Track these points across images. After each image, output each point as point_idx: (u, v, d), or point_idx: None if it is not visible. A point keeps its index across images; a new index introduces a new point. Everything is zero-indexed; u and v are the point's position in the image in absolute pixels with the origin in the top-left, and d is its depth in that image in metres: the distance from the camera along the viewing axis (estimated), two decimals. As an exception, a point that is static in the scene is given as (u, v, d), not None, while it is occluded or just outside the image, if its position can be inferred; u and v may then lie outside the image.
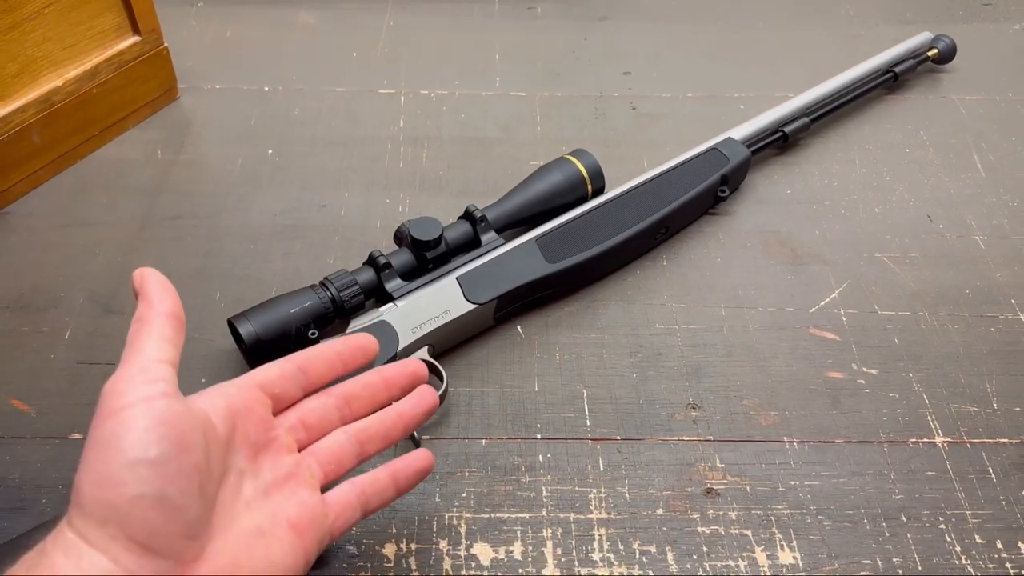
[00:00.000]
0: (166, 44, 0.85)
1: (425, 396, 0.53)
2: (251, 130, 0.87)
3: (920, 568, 0.57)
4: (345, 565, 0.56)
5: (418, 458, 0.52)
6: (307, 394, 0.51)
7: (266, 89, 0.91)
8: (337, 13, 1.03)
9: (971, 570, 0.56)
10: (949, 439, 0.64)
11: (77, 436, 0.62)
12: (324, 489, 0.49)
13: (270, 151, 0.84)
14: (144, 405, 0.40)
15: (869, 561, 0.57)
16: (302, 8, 1.03)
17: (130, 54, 0.82)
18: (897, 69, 0.91)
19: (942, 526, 0.59)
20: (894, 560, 0.57)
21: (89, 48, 0.79)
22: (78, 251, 0.74)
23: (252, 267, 0.73)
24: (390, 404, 0.52)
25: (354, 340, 0.52)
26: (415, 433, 0.60)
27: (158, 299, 0.44)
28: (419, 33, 1.00)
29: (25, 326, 0.68)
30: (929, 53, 0.95)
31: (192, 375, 0.66)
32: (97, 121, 0.82)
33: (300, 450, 0.49)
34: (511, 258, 0.69)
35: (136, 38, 0.82)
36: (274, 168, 0.83)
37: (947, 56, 0.95)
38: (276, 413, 0.49)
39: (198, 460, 0.40)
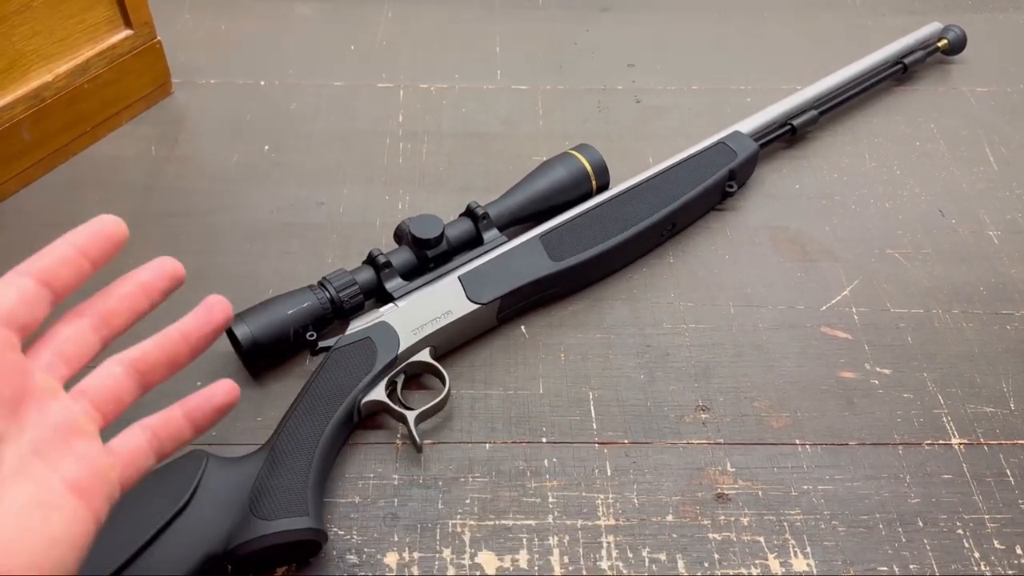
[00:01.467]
0: (159, 38, 0.83)
1: (215, 309, 0.44)
2: (247, 126, 0.85)
3: (938, 574, 0.55)
4: (346, 575, 0.54)
5: (217, 392, 0.44)
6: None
7: (262, 83, 0.89)
8: (335, 4, 1.01)
9: (990, 576, 0.55)
10: (966, 441, 0.62)
11: (69, 442, 0.60)
12: (105, 436, 0.41)
13: (266, 147, 0.82)
14: None
15: (885, 568, 0.55)
16: (299, 0, 1.01)
17: (122, 48, 0.80)
18: (906, 60, 0.89)
19: (960, 531, 0.57)
20: (911, 567, 0.55)
21: (80, 42, 0.76)
22: (70, 251, 0.72)
23: (249, 266, 0.72)
24: (150, 311, 0.44)
25: (96, 224, 0.43)
26: (416, 437, 0.58)
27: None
28: (419, 25, 0.98)
29: (16, 328, 0.67)
30: (939, 44, 0.93)
31: (187, 378, 0.63)
32: (89, 117, 0.80)
33: (66, 390, 0.40)
34: (514, 256, 0.67)
35: (128, 31, 0.80)
36: (271, 164, 0.81)
37: (957, 47, 0.93)
38: (25, 351, 0.39)
39: None
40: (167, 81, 0.86)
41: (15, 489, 0.35)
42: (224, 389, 0.44)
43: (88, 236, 0.42)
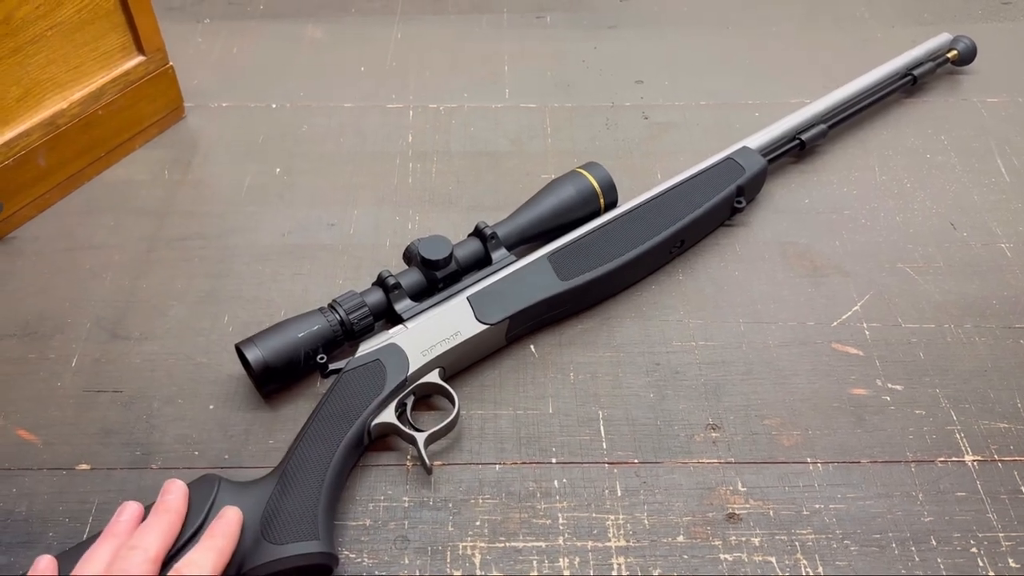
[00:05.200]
0: (171, 63, 0.84)
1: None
2: (259, 148, 0.85)
3: (952, 594, 0.55)
4: (357, 598, 0.54)
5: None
6: None
7: (274, 106, 0.90)
8: (345, 26, 1.02)
9: (1005, 596, 0.54)
10: (979, 457, 0.62)
11: (84, 467, 0.61)
12: None
13: (278, 169, 0.83)
14: None
15: (898, 588, 0.55)
16: (310, 22, 1.02)
17: (135, 74, 0.81)
18: (916, 72, 0.89)
19: (974, 550, 0.57)
20: (925, 586, 0.55)
21: (94, 69, 0.78)
22: (85, 275, 0.73)
23: (261, 289, 0.72)
24: None
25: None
26: (426, 459, 0.59)
27: None
28: (427, 45, 0.99)
29: (32, 353, 0.68)
30: (948, 55, 0.92)
31: (200, 400, 0.64)
32: (103, 142, 0.81)
33: None
34: (523, 276, 0.68)
35: (141, 58, 0.81)
36: (283, 187, 0.81)
37: (967, 57, 0.93)
38: None
39: None
40: (180, 105, 0.87)
41: None
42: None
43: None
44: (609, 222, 0.71)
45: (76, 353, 0.68)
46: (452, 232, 0.70)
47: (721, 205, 0.74)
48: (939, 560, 0.56)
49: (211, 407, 0.64)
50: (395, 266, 0.69)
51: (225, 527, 0.51)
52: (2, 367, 0.67)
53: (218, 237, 0.77)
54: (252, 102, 0.91)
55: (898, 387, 0.66)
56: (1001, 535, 0.57)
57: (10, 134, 0.73)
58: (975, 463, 0.61)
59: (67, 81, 0.76)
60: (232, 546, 0.50)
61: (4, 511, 0.58)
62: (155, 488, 0.55)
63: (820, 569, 0.56)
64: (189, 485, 0.54)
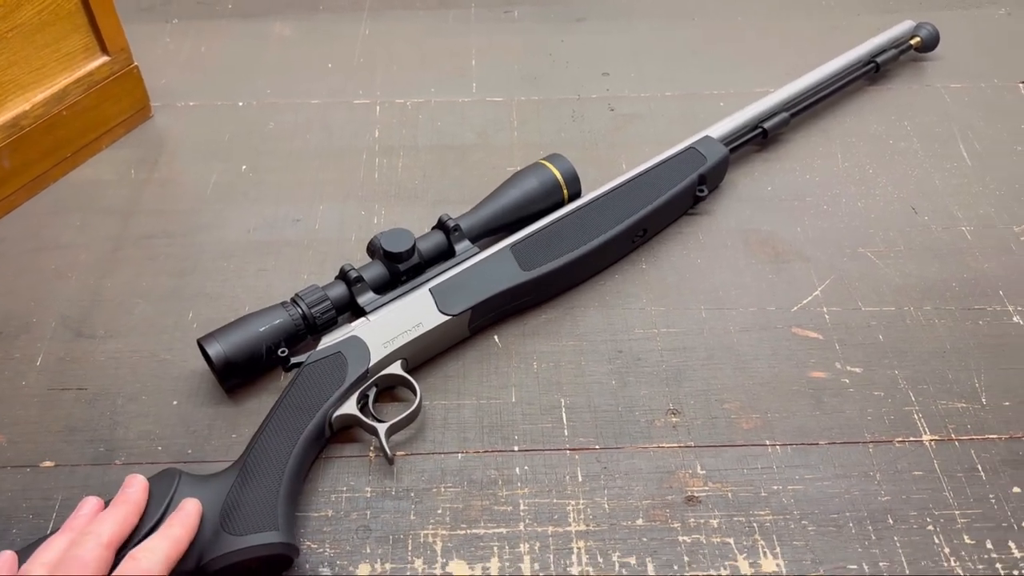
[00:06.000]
0: (137, 63, 0.84)
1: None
2: (225, 146, 0.86)
3: (908, 571, 0.55)
4: (318, 587, 0.55)
5: None
6: None
7: (240, 104, 0.91)
8: (314, 24, 1.02)
9: (960, 572, 0.55)
10: (937, 437, 0.62)
11: (48, 464, 0.61)
12: None
13: (244, 167, 0.83)
14: None
15: (855, 566, 0.55)
16: (279, 20, 1.03)
17: (99, 74, 0.81)
18: (879, 59, 0.90)
19: (930, 527, 0.57)
20: (880, 564, 0.55)
21: (56, 70, 0.78)
22: (51, 275, 0.74)
23: (226, 285, 0.73)
24: None
25: None
26: (387, 449, 0.59)
27: None
28: (395, 41, 0.99)
29: (-3, 353, 0.68)
30: (912, 41, 0.93)
31: (163, 396, 0.65)
32: (68, 143, 0.81)
33: None
34: (485, 267, 0.68)
35: (105, 58, 0.81)
36: (249, 184, 0.82)
37: (930, 44, 0.94)
38: None
39: None
40: (146, 105, 0.88)
41: None
42: None
43: None
44: (571, 212, 0.72)
45: (41, 352, 0.68)
46: (417, 226, 0.70)
47: (683, 194, 0.75)
48: (895, 538, 0.57)
49: (175, 403, 0.64)
50: (359, 260, 0.69)
51: (184, 518, 0.51)
52: (-33, 367, 0.67)
53: (184, 235, 0.77)
54: (219, 100, 0.91)
55: (857, 369, 0.66)
56: (957, 512, 0.58)
57: (-27, 136, 0.73)
58: (932, 443, 0.62)
59: (29, 83, 0.76)
60: (189, 536, 0.50)
61: (-33, 509, 0.58)
62: (118, 483, 0.55)
63: (777, 548, 0.56)
64: (150, 479, 0.54)
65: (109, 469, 0.61)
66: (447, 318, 0.65)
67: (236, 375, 0.63)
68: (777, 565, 0.55)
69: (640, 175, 0.74)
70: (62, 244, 0.76)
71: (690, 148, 0.77)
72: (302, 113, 0.90)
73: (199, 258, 0.75)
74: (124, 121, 0.86)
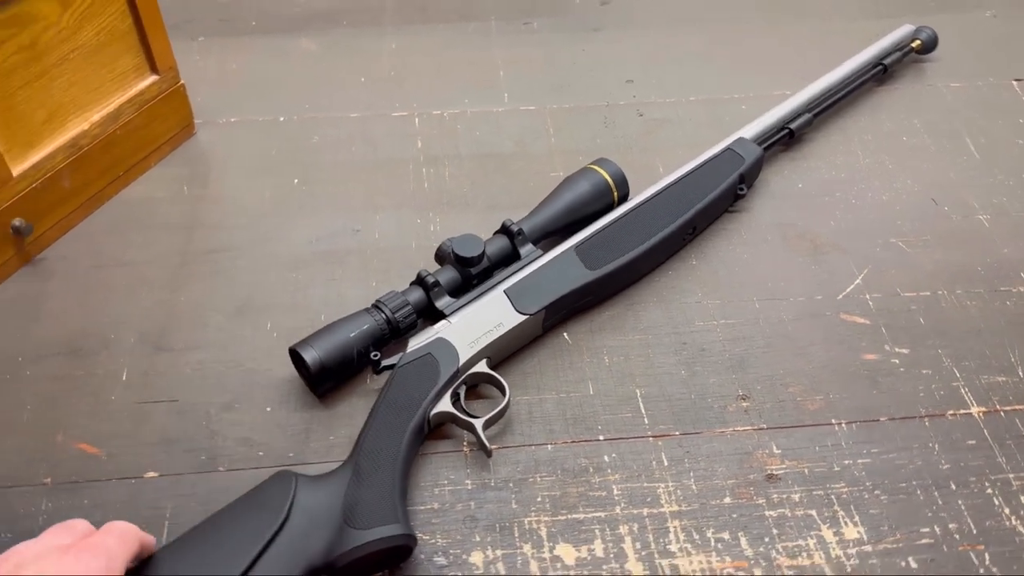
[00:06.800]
0: (183, 81, 0.85)
1: None
2: (273, 161, 0.88)
3: (975, 532, 0.60)
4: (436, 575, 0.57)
5: None
6: None
7: (281, 119, 0.93)
8: (337, 38, 1.04)
9: (1022, 530, 0.60)
10: (984, 409, 0.68)
11: (152, 474, 0.62)
12: None
13: (296, 180, 0.85)
14: None
15: (928, 529, 0.60)
16: (302, 35, 1.05)
17: (149, 93, 0.82)
18: (886, 61, 0.95)
19: (989, 491, 0.62)
20: (950, 526, 0.60)
21: (112, 90, 0.79)
22: (121, 291, 0.75)
23: (297, 295, 0.75)
24: None
25: None
26: (486, 443, 0.62)
27: None
28: (421, 54, 1.02)
29: (79, 370, 0.69)
30: (913, 44, 0.99)
31: (256, 404, 0.67)
32: (122, 161, 0.82)
33: None
34: (553, 268, 0.71)
35: (155, 77, 0.83)
36: (302, 196, 0.84)
37: (930, 46, 1.00)
38: None
39: None
40: (191, 123, 0.89)
41: None
42: None
43: None
44: (628, 213, 0.75)
45: (125, 367, 0.69)
46: (473, 231, 0.73)
47: (727, 192, 0.79)
48: (960, 502, 0.62)
49: (268, 409, 0.66)
50: (422, 267, 0.71)
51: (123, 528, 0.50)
52: (51, 385, 0.68)
53: (247, 248, 0.79)
54: (260, 116, 0.93)
55: (904, 351, 0.71)
56: (1011, 476, 0.63)
57: (36, 157, 0.74)
58: (980, 414, 0.67)
59: (88, 102, 0.78)
60: (123, 550, 0.48)
61: (78, 522, 0.60)
62: (227, 490, 0.58)
63: (856, 517, 0.61)
64: (267, 480, 0.57)
65: (214, 476, 0.62)
66: (525, 317, 0.68)
67: (329, 379, 0.65)
68: (858, 532, 0.60)
69: (686, 175, 0.79)
70: (125, 261, 0.78)
71: (728, 149, 0.82)
72: (343, 127, 0.92)
73: (266, 271, 0.77)
74: (171, 139, 0.87)
